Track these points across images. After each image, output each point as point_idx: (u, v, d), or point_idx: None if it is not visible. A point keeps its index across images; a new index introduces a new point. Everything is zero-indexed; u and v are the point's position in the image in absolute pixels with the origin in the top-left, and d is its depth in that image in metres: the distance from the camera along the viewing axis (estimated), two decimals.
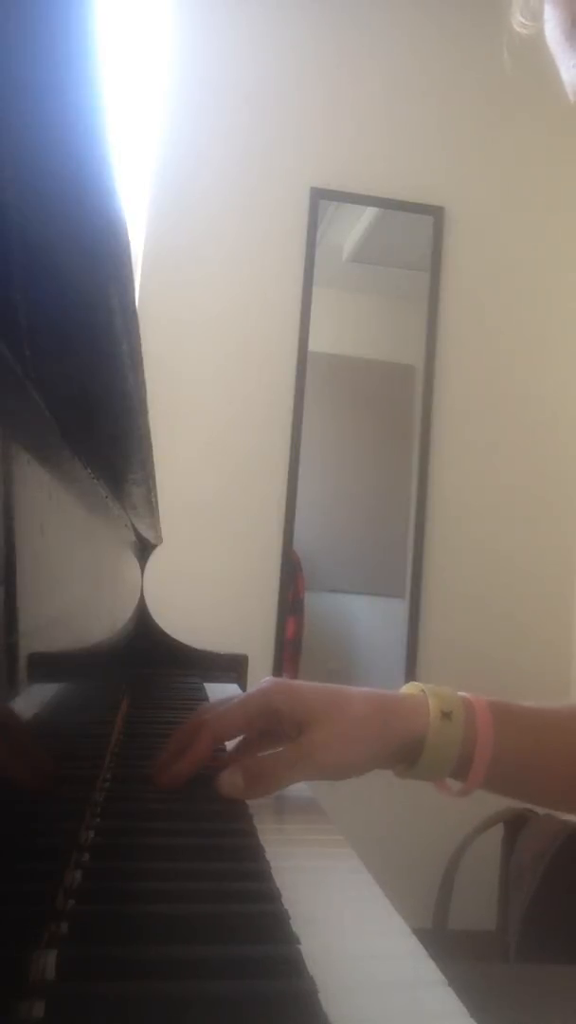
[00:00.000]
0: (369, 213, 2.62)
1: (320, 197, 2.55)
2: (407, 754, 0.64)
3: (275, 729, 0.66)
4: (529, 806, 2.02)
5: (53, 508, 0.50)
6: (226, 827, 0.56)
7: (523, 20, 0.67)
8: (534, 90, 2.74)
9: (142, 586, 1.41)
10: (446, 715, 0.63)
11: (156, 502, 1.04)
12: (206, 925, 0.39)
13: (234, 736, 0.66)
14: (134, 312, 0.46)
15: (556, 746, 0.68)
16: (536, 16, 0.66)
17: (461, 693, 0.66)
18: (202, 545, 2.37)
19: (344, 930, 0.43)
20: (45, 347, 0.42)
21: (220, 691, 1.25)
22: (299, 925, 0.39)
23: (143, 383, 0.59)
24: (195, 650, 1.41)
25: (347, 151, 2.59)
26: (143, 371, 0.56)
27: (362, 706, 0.63)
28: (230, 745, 0.70)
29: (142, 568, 1.42)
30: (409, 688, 0.68)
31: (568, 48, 0.64)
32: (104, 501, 0.78)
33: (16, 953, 0.34)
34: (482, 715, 0.64)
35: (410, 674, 2.48)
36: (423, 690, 0.66)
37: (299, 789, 0.67)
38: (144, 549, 1.40)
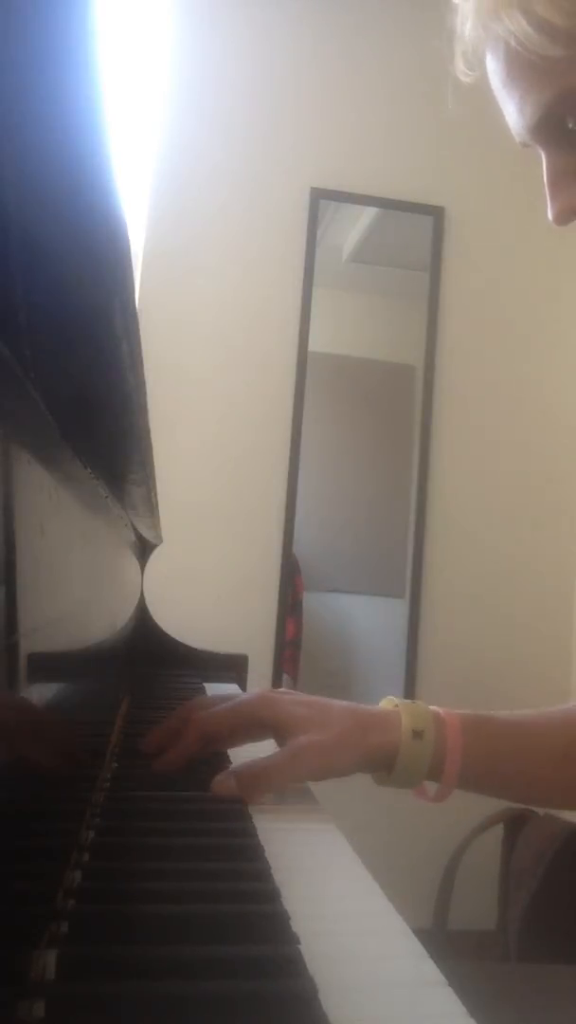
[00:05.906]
0: (369, 213, 2.62)
1: (320, 197, 2.55)
2: (383, 763, 0.69)
3: (259, 736, 0.72)
4: (529, 807, 2.02)
5: (53, 508, 0.50)
6: (226, 827, 0.56)
7: (465, 69, 0.71)
8: None
9: (142, 586, 1.41)
10: (417, 733, 0.68)
11: (156, 502, 1.04)
12: (206, 925, 0.39)
13: (219, 736, 0.71)
14: (134, 312, 0.46)
15: (527, 752, 0.73)
16: (477, 66, 0.69)
17: (434, 708, 0.71)
18: (202, 545, 2.37)
19: (344, 930, 0.43)
20: (45, 347, 0.42)
21: (220, 691, 1.25)
22: (299, 925, 0.39)
23: (143, 383, 0.59)
24: (195, 650, 1.41)
25: (347, 151, 2.59)
26: (143, 371, 0.56)
27: (342, 718, 0.68)
28: None
29: (142, 568, 1.42)
30: (386, 703, 0.73)
31: (507, 97, 0.67)
32: (104, 501, 0.78)
33: (16, 953, 0.34)
34: (452, 729, 0.69)
35: (410, 674, 2.48)
36: (397, 705, 0.71)
37: (298, 787, 0.68)
38: (144, 549, 1.40)
